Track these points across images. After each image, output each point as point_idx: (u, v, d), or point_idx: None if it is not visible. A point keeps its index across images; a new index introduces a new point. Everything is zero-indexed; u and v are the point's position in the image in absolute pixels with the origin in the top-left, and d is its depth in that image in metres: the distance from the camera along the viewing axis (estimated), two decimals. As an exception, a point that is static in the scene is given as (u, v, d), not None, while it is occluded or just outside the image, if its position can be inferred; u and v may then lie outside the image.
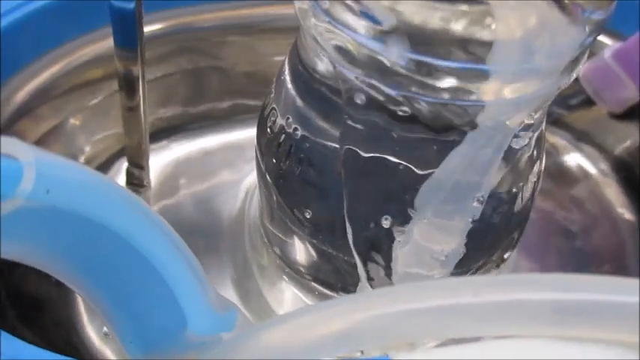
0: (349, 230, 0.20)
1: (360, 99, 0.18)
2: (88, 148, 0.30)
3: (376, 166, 0.20)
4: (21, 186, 0.11)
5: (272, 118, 0.21)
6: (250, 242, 0.28)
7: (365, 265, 0.21)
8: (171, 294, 0.14)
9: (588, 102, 0.33)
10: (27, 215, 0.12)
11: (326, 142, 0.20)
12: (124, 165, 0.29)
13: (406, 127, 0.18)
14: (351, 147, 0.19)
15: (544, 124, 0.21)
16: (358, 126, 0.19)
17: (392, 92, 0.17)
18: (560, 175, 0.34)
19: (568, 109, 0.34)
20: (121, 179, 0.29)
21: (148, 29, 0.29)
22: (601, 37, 0.33)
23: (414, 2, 0.15)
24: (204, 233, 0.29)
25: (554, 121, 0.34)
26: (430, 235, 0.20)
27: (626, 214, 0.32)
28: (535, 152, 0.21)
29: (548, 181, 0.33)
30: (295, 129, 0.21)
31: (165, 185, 0.30)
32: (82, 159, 0.30)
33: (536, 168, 0.21)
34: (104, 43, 0.28)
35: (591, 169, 0.34)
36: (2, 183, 0.11)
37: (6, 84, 0.27)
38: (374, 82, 0.17)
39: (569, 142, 0.34)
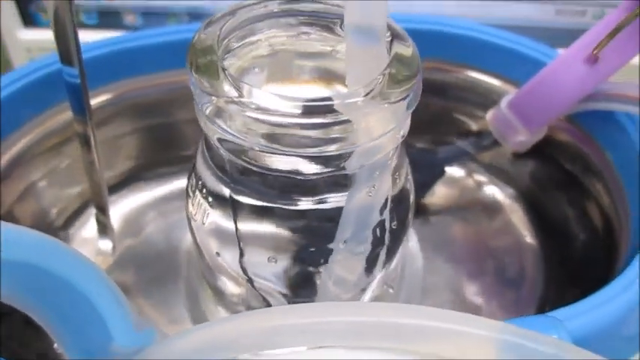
0: (247, 271, 0.24)
1: (241, 171, 0.22)
2: (59, 202, 0.33)
3: (267, 215, 0.23)
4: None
5: (192, 179, 0.25)
6: (196, 275, 0.31)
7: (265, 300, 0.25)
8: (101, 317, 0.19)
9: (497, 142, 0.35)
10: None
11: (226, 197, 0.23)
12: (93, 212, 0.32)
13: (288, 193, 0.22)
14: (242, 201, 0.23)
15: (399, 156, 0.24)
16: (247, 188, 0.23)
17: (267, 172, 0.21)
18: (476, 206, 0.37)
19: (481, 148, 0.37)
20: (92, 224, 0.33)
21: (102, 98, 0.34)
22: (503, 86, 0.37)
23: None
24: (163, 266, 0.33)
25: (471, 159, 0.38)
26: (344, 266, 0.24)
27: (528, 237, 0.35)
28: (400, 178, 0.25)
29: (466, 211, 0.37)
30: (202, 185, 0.24)
31: (128, 228, 0.35)
32: (55, 210, 0.33)
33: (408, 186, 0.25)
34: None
35: (502, 200, 0.37)
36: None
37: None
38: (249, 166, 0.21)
39: (483, 176, 0.38)
